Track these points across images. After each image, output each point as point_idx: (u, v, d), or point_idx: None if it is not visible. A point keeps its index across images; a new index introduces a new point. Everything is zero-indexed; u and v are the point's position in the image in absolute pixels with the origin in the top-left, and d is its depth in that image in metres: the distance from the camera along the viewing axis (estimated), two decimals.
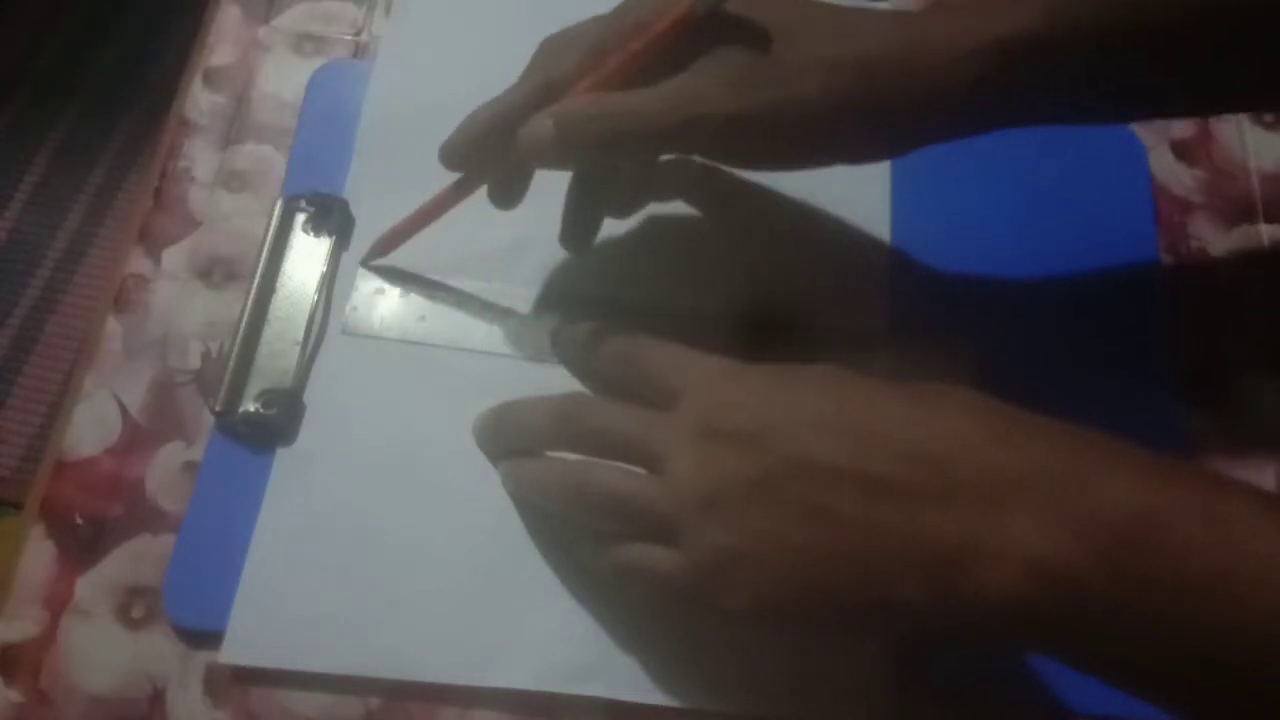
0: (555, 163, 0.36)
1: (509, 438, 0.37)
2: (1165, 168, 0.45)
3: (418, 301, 0.41)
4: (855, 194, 0.42)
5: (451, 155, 0.38)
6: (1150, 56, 0.34)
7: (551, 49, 0.37)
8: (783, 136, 0.34)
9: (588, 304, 0.41)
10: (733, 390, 0.32)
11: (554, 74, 0.36)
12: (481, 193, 0.39)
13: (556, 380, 0.38)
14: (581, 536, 0.35)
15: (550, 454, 0.36)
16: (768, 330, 0.40)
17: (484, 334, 0.41)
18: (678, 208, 0.42)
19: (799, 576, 0.29)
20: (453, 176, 0.39)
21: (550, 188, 0.44)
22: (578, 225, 0.40)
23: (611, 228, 0.42)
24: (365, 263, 0.42)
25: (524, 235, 0.42)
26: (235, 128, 0.46)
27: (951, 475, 0.28)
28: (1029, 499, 0.27)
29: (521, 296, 0.41)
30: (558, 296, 0.41)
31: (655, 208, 0.42)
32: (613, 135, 0.34)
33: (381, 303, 0.41)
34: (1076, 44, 0.33)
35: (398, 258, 0.42)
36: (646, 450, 0.32)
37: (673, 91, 0.34)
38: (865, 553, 0.28)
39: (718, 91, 0.33)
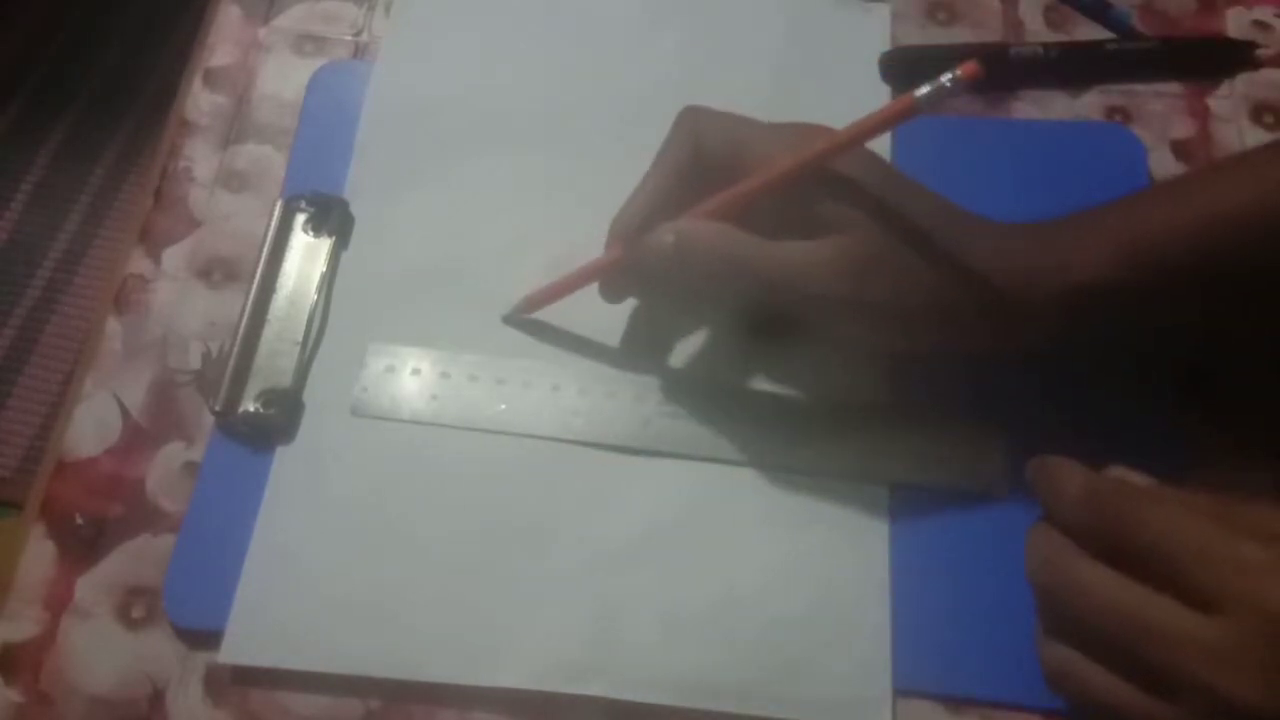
0: (668, 278, 0.36)
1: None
2: (1165, 168, 0.45)
3: (429, 380, 0.40)
4: None
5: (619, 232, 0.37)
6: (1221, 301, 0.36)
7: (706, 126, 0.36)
8: (882, 338, 0.36)
9: (598, 374, 0.40)
10: None
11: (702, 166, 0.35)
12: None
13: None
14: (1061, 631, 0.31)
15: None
16: (767, 334, 0.40)
17: (496, 412, 0.39)
18: None
19: None
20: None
21: (550, 187, 0.44)
22: (655, 336, 0.40)
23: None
24: (509, 320, 0.41)
25: (522, 236, 0.42)
26: (235, 128, 0.46)
27: None
28: None
29: (536, 371, 0.40)
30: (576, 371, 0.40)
31: None
32: (734, 280, 0.34)
33: (392, 382, 0.40)
34: (1150, 292, 0.34)
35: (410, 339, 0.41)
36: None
37: (799, 255, 0.34)
38: None
39: (837, 272, 0.33)
